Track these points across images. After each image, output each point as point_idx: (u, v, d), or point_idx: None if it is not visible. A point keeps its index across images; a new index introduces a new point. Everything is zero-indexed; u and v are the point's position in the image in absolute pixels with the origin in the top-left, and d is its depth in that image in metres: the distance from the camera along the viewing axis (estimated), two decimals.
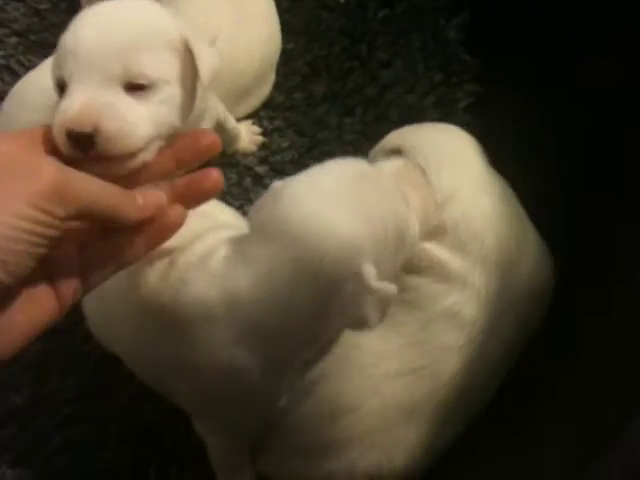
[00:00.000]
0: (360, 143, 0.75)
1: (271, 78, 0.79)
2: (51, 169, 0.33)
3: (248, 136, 0.78)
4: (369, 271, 0.42)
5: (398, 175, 0.49)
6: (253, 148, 0.78)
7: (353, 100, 0.79)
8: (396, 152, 0.58)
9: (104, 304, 0.53)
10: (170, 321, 0.46)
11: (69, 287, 0.37)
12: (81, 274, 0.38)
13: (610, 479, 0.36)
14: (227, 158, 0.72)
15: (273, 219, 0.44)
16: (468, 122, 0.77)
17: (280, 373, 0.47)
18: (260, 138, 0.79)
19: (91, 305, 0.56)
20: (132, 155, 0.42)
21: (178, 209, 0.41)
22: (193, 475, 0.64)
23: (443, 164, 0.57)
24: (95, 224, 0.38)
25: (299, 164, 0.76)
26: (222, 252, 0.46)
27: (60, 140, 0.40)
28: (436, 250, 0.54)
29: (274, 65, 0.79)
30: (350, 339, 0.53)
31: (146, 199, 0.39)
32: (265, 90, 0.79)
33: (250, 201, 0.74)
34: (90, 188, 0.35)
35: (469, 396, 0.55)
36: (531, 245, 0.58)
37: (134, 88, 0.42)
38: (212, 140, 0.42)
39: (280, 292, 0.43)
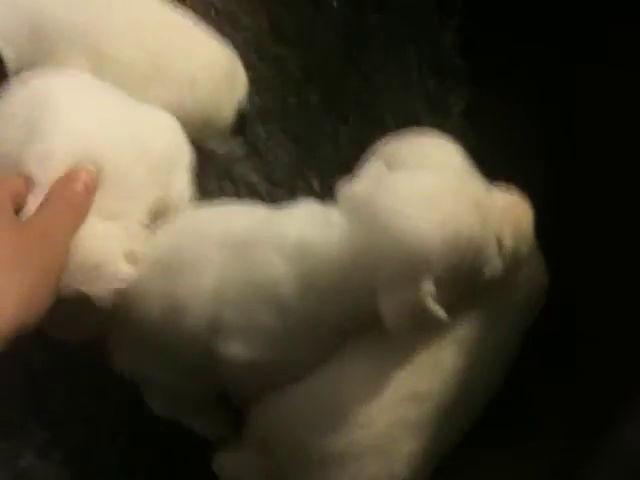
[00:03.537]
0: (355, 148, 0.75)
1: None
2: None
3: None
4: (428, 288, 0.43)
5: (507, 211, 0.49)
6: None
7: (347, 105, 0.79)
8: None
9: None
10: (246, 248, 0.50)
11: None
12: None
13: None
14: (221, 164, 0.73)
15: (367, 199, 0.45)
16: (462, 126, 0.77)
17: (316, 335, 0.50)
18: None
19: None
20: None
21: None
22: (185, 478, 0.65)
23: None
24: None
25: (293, 170, 0.76)
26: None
27: None
28: None
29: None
30: (364, 364, 0.53)
31: None
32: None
33: None
34: None
35: (473, 409, 0.55)
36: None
37: None
38: None
39: (341, 263, 0.46)
